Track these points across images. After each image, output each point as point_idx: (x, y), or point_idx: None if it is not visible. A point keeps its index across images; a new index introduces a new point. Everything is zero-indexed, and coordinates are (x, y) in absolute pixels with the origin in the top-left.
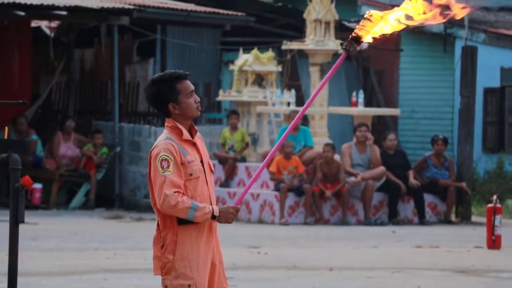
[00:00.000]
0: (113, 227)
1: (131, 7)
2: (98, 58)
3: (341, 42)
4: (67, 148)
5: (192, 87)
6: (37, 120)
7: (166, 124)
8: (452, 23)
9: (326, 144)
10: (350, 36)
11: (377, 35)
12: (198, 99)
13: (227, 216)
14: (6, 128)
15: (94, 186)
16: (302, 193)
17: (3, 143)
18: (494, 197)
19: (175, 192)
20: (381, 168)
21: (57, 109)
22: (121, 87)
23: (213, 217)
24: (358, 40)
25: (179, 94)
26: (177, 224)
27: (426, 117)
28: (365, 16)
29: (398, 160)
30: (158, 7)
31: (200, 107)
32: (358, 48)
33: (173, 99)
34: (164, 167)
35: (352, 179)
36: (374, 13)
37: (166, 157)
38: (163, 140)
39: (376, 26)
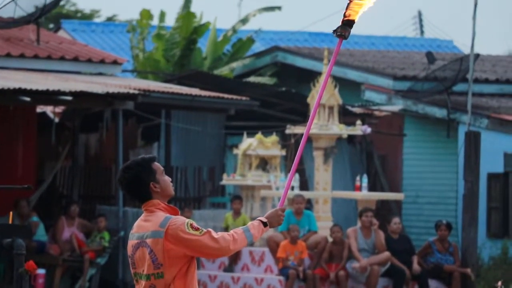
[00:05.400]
0: None
1: (136, 92)
2: (103, 142)
3: (334, 29)
4: (70, 233)
5: (162, 167)
6: (41, 205)
7: (152, 207)
8: (455, 108)
9: (335, 225)
10: (341, 21)
11: (364, 9)
12: (170, 178)
13: (277, 218)
14: (11, 212)
15: (90, 271)
16: (305, 278)
17: (8, 228)
18: (499, 283)
19: (219, 234)
20: (386, 254)
21: (61, 194)
22: None
23: (265, 224)
24: (351, 23)
25: (156, 173)
26: None
27: (430, 202)
28: None
29: (403, 245)
30: (163, 92)
31: (173, 186)
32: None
33: (152, 178)
34: (197, 228)
35: (357, 264)
36: None
37: (192, 221)
38: (170, 217)
39: (363, 5)
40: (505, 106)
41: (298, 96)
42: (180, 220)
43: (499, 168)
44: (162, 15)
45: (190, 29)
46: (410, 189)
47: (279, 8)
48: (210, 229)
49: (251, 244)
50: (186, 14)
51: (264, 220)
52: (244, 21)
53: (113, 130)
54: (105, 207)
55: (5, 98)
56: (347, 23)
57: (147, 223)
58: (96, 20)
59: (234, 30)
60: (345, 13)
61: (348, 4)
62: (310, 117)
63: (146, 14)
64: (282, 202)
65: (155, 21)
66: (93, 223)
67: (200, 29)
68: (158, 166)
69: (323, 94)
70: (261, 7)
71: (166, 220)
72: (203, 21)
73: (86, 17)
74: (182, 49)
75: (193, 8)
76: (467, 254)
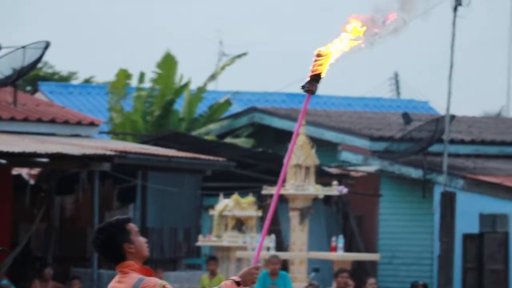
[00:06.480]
0: None
1: (113, 153)
2: (79, 204)
3: (302, 85)
4: None
5: (137, 228)
6: (15, 268)
7: (126, 269)
8: (431, 169)
9: (310, 284)
10: (309, 76)
11: (332, 63)
12: (146, 239)
13: (251, 277)
14: None
15: None
16: None
17: None
18: None
19: None
20: None
21: (36, 257)
22: None
23: (238, 284)
24: (318, 78)
25: (130, 234)
26: None
27: (406, 262)
28: (315, 53)
29: None
30: (139, 153)
31: (149, 248)
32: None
33: (127, 239)
34: None
35: None
36: (322, 49)
37: (165, 282)
38: (143, 279)
39: (328, 59)
40: (481, 167)
41: (275, 156)
42: (152, 281)
43: (475, 228)
44: (142, 76)
45: (169, 90)
46: (386, 249)
47: (245, 54)
48: None
49: None
50: (165, 75)
51: (237, 279)
52: (213, 76)
53: (89, 192)
54: (80, 269)
55: None
56: (315, 78)
57: (120, 285)
58: (74, 82)
59: (205, 85)
60: (312, 68)
61: (315, 59)
62: (280, 177)
63: (123, 74)
64: (256, 261)
65: (134, 82)
66: (68, 285)
67: (179, 90)
68: (132, 227)
69: (292, 151)
70: (228, 59)
71: (139, 281)
72: (182, 82)
73: (64, 79)
74: (160, 110)
75: (172, 70)
76: None
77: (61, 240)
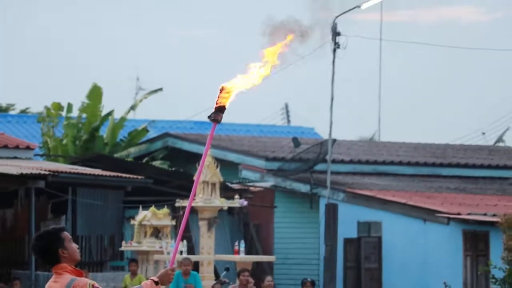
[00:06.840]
0: None
1: (46, 172)
2: (17, 216)
3: (209, 115)
4: None
5: (70, 236)
6: None
7: (60, 270)
8: (317, 184)
9: (219, 281)
10: (214, 108)
11: (233, 96)
12: (77, 245)
13: (167, 277)
14: None
15: None
16: None
17: None
18: None
19: None
20: None
21: None
22: None
23: (157, 283)
24: (222, 109)
25: (64, 241)
26: None
27: (297, 263)
28: (219, 88)
29: None
30: (69, 172)
31: (80, 253)
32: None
33: (61, 245)
34: None
35: None
36: (226, 84)
37: (94, 282)
38: (75, 279)
39: (230, 93)
40: (358, 182)
41: (186, 175)
42: (83, 281)
43: (353, 234)
44: (70, 106)
45: (95, 118)
46: (280, 252)
47: (160, 89)
48: None
49: None
50: (92, 105)
51: (156, 279)
52: (133, 107)
53: (27, 206)
54: (19, 271)
55: None
56: (219, 109)
57: (56, 284)
58: (12, 112)
59: (126, 114)
60: (217, 100)
61: (219, 92)
62: (191, 192)
63: (56, 106)
64: (172, 263)
65: (63, 112)
66: (9, 285)
67: (104, 119)
68: (66, 234)
69: (202, 171)
70: (146, 92)
71: (72, 281)
72: (106, 111)
73: (2, 110)
74: (87, 135)
75: (98, 100)
76: None
77: (3, 247)
